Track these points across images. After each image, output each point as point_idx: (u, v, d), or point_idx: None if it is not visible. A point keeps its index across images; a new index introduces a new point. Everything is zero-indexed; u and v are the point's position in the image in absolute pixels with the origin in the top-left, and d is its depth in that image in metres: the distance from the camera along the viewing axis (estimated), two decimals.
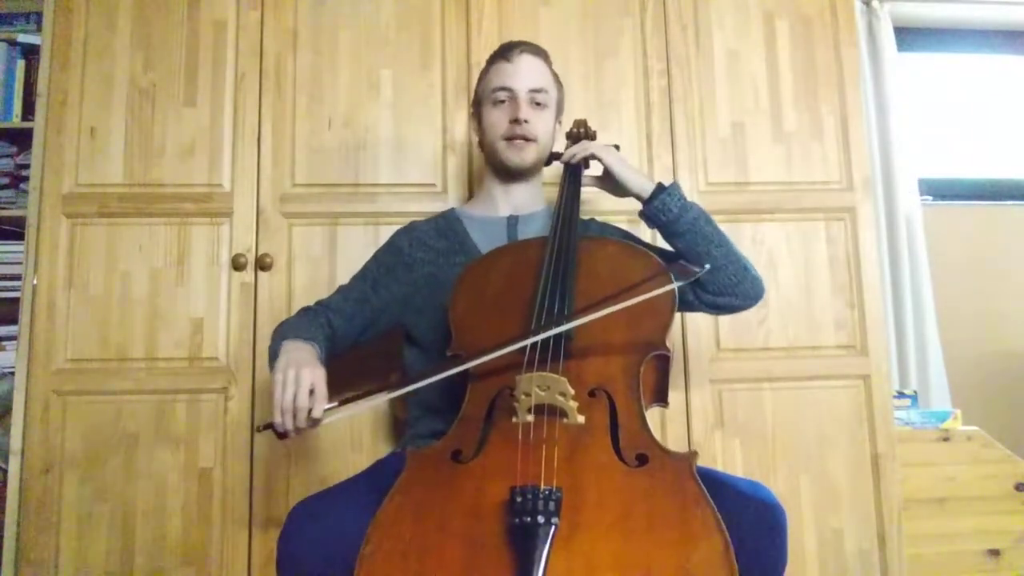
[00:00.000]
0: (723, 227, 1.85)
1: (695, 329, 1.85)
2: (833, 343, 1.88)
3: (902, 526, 1.80)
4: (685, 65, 1.96)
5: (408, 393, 1.21)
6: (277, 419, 1.09)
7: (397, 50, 1.92)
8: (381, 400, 1.16)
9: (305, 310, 1.42)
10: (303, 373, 1.10)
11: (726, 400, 1.84)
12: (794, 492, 1.80)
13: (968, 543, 1.98)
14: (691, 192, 1.90)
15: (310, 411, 1.09)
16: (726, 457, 1.81)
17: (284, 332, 1.29)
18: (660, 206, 1.33)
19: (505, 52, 1.45)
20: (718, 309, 1.40)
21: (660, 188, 1.35)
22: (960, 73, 2.97)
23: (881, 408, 1.85)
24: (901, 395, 2.21)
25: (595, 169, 1.44)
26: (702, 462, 1.73)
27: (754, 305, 1.39)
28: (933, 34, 2.91)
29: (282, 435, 1.11)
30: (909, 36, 2.84)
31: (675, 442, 1.80)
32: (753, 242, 1.90)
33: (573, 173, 1.43)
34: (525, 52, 1.44)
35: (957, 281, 2.68)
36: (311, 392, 1.10)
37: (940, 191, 2.80)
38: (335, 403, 1.13)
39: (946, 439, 2.04)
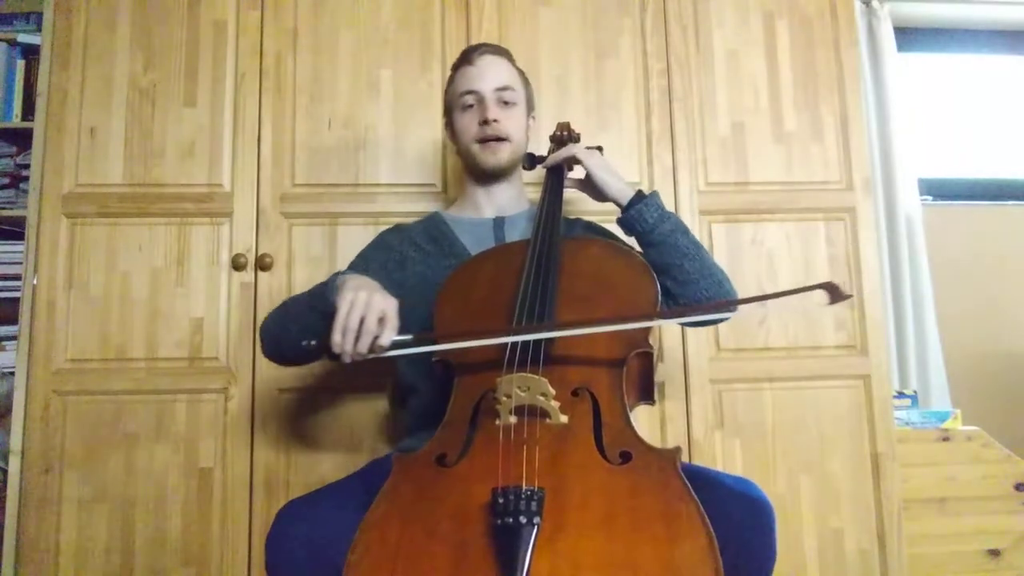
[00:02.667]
0: (723, 227, 1.90)
1: (695, 329, 1.85)
2: (833, 343, 1.88)
3: (902, 526, 1.80)
4: (685, 65, 1.96)
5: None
6: (336, 338, 1.03)
7: (397, 50, 1.92)
8: (453, 347, 1.09)
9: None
10: (375, 298, 1.05)
11: (726, 400, 1.84)
12: (794, 492, 1.80)
13: (968, 543, 1.97)
14: (691, 192, 1.90)
15: (376, 338, 1.04)
16: (726, 457, 1.81)
17: (320, 288, 1.22)
18: (636, 215, 1.33)
19: (467, 56, 1.45)
20: (693, 323, 1.40)
21: (639, 196, 1.35)
22: (960, 73, 2.97)
23: (881, 408, 1.85)
24: (901, 395, 2.21)
25: (578, 172, 1.43)
26: (702, 462, 1.74)
27: (725, 320, 1.40)
28: (933, 34, 2.92)
29: (335, 357, 1.05)
30: (909, 36, 2.84)
31: (675, 442, 1.80)
32: (753, 242, 1.90)
33: (556, 176, 1.43)
34: (486, 53, 1.45)
35: (957, 281, 2.68)
36: (380, 320, 1.05)
37: (940, 191, 2.80)
38: (408, 336, 1.07)
39: (946, 439, 2.04)
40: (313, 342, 1.08)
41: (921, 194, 2.67)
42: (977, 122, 2.94)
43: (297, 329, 1.23)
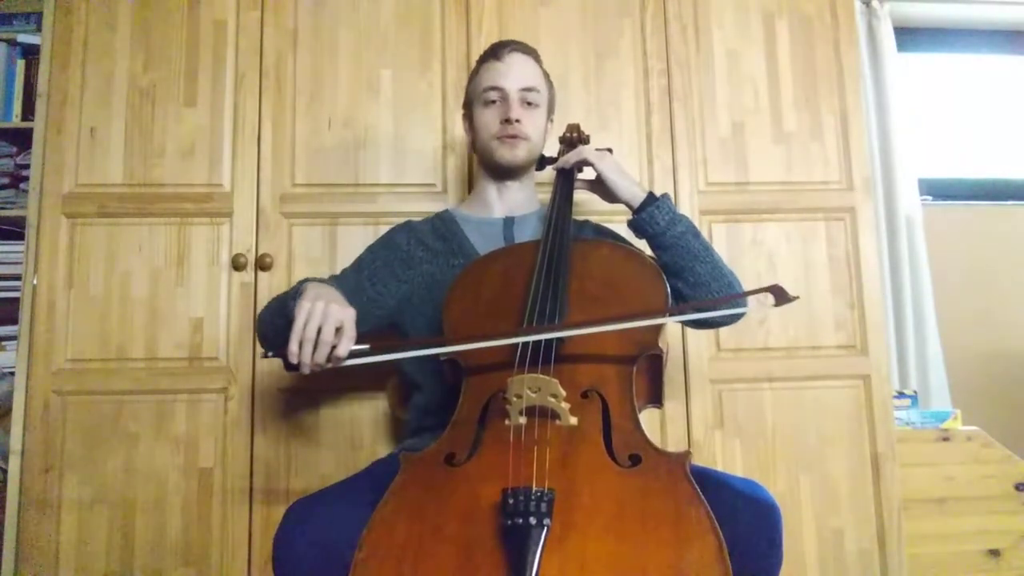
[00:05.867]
0: (723, 227, 1.90)
1: (696, 329, 1.84)
2: (833, 343, 1.88)
3: (902, 526, 1.80)
4: (685, 65, 1.96)
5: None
6: (293, 347, 1.02)
7: (397, 50, 1.92)
8: (414, 355, 1.11)
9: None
10: (332, 308, 1.04)
11: (726, 400, 1.84)
12: (794, 492, 1.80)
13: (968, 543, 1.97)
14: (691, 192, 1.90)
15: (334, 347, 1.03)
16: (726, 457, 1.81)
17: (287, 293, 1.23)
18: (647, 218, 1.33)
19: (495, 51, 1.44)
20: (698, 324, 1.41)
21: (651, 199, 1.34)
22: (960, 73, 2.96)
23: (881, 408, 1.85)
24: (901, 395, 2.20)
25: (588, 173, 1.43)
26: (702, 462, 1.74)
27: (736, 322, 1.40)
28: (933, 34, 2.91)
29: (293, 367, 1.04)
30: (909, 36, 2.84)
31: (675, 442, 1.80)
32: (753, 242, 1.90)
33: (566, 177, 1.42)
34: (515, 51, 1.44)
35: (957, 281, 2.68)
36: (338, 330, 1.04)
37: (940, 191, 2.80)
38: (366, 346, 1.07)
39: (946, 439, 2.04)
40: (271, 353, 1.08)
41: (921, 194, 2.66)
42: (977, 122, 2.94)
43: (272, 334, 1.23)
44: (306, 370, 1.04)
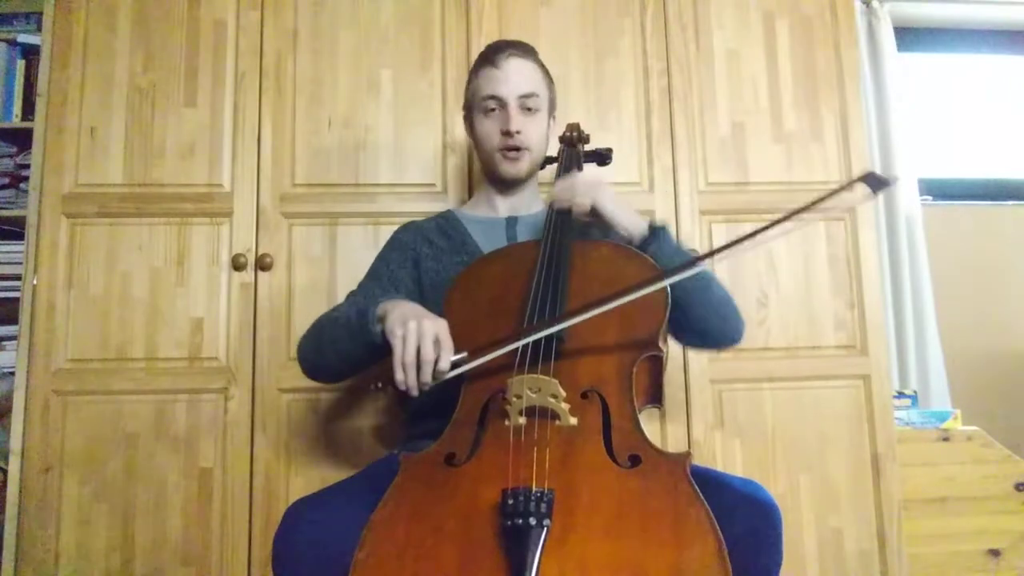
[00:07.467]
0: (723, 227, 1.90)
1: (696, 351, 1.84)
2: (833, 343, 1.88)
3: (902, 526, 1.80)
4: (685, 65, 1.96)
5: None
6: (399, 376, 1.04)
7: (397, 50, 1.92)
8: (506, 351, 1.08)
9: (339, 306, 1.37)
10: (424, 323, 1.05)
11: (726, 400, 1.84)
12: (794, 492, 1.80)
13: (968, 543, 1.97)
14: (691, 192, 1.90)
15: (436, 362, 1.05)
16: (726, 457, 1.81)
17: (358, 315, 1.21)
18: (650, 256, 1.26)
19: (492, 57, 1.41)
20: (690, 345, 1.39)
21: (652, 233, 1.28)
22: (960, 73, 2.97)
23: (881, 408, 1.85)
24: (901, 395, 2.21)
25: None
26: (702, 462, 1.74)
27: (729, 348, 1.38)
28: (933, 34, 2.91)
29: (403, 392, 1.06)
30: (909, 36, 2.84)
31: (675, 442, 1.80)
32: (753, 242, 1.90)
33: (561, 213, 1.35)
34: (513, 56, 1.41)
35: (957, 281, 2.68)
36: (435, 343, 1.05)
37: (940, 191, 2.80)
38: (464, 353, 1.08)
39: (946, 439, 2.04)
40: (379, 384, 1.09)
41: (921, 194, 2.66)
42: (977, 122, 2.94)
43: (338, 358, 1.24)
44: (414, 392, 1.06)
